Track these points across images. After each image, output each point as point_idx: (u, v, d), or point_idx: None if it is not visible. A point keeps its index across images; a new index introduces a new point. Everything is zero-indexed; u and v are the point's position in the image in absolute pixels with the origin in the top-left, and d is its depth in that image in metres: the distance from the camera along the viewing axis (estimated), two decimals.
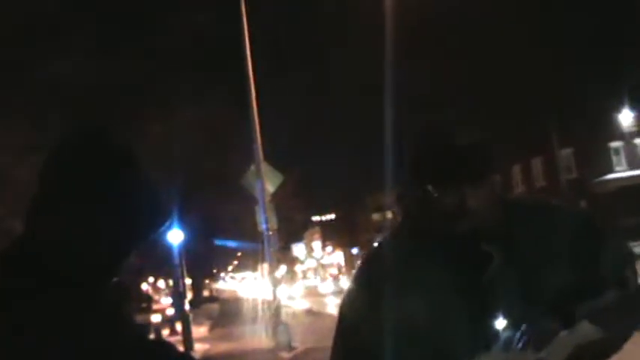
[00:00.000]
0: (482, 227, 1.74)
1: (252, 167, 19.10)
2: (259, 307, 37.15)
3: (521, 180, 45.85)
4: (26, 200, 1.75)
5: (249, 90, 19.23)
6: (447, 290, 1.77)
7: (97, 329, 1.59)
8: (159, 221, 1.76)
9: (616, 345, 1.83)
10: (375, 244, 2.05)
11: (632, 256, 1.94)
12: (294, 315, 21.92)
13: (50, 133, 15.78)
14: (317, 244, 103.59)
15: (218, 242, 39.09)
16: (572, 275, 1.80)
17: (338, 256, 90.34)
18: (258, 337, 21.66)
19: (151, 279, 63.75)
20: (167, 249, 22.84)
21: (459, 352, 1.75)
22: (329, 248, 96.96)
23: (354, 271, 2.07)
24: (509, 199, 1.97)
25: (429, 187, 1.73)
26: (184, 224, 23.92)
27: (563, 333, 1.69)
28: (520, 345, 1.67)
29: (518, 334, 1.68)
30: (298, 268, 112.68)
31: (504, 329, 1.72)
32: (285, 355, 16.53)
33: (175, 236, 22.43)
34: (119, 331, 1.69)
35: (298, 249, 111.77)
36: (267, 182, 18.91)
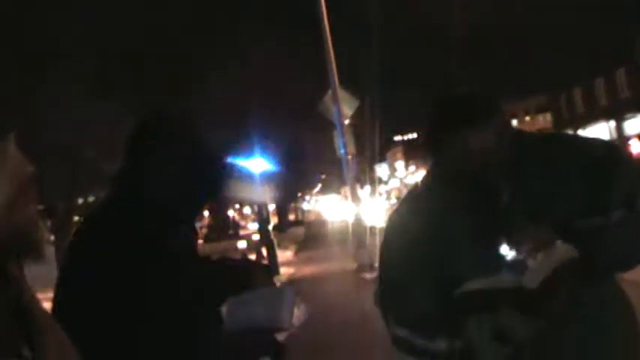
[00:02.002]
0: (493, 163, 1.95)
1: (329, 93, 19.14)
2: (343, 228, 37.67)
3: (605, 92, 44.41)
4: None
5: (322, 14, 19.13)
6: (461, 226, 2.02)
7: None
8: (217, 181, 2.14)
9: (615, 265, 1.97)
10: (414, 185, 2.33)
11: None
12: (377, 235, 22.15)
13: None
14: (400, 164, 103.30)
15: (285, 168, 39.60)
16: (580, 199, 1.96)
17: (421, 175, 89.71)
18: (341, 259, 22.05)
19: (237, 205, 65.06)
20: (250, 176, 23.28)
21: (468, 278, 2.01)
22: (412, 167, 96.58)
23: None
24: (522, 135, 2.13)
25: (440, 135, 2.00)
26: (266, 151, 24.30)
27: (540, 255, 1.84)
28: (512, 254, 1.87)
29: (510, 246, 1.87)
30: (382, 188, 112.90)
31: (508, 254, 1.89)
32: (367, 275, 16.81)
33: (257, 164, 22.85)
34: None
35: (381, 169, 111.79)
36: (344, 107, 18.95)
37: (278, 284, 2.29)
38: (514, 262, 1.87)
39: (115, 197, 2.06)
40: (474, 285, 1.99)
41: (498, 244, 1.89)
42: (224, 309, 2.14)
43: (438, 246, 2.04)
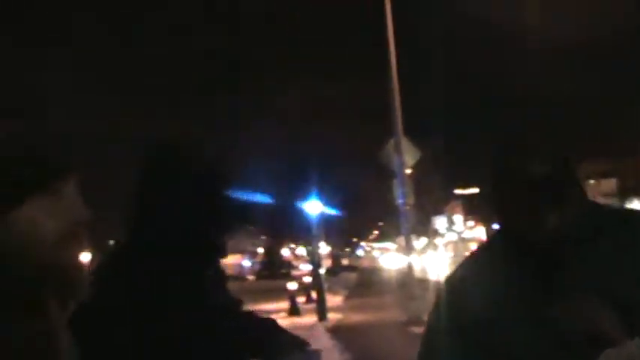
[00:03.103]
0: (564, 238, 1.83)
1: (391, 141, 19.12)
2: (395, 278, 37.31)
3: None
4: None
5: (391, 65, 19.22)
6: (520, 298, 1.89)
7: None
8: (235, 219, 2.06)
9: None
10: (482, 243, 2.22)
11: None
12: (430, 288, 21.86)
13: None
14: (458, 218, 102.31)
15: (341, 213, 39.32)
16: None
17: (479, 231, 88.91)
18: (391, 309, 21.79)
19: (292, 245, 65.22)
20: (306, 218, 23.31)
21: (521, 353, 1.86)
22: (470, 222, 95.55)
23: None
24: (600, 210, 1.99)
25: (512, 211, 1.88)
26: (323, 195, 24.36)
27: (610, 350, 1.71)
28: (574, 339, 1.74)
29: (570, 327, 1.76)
30: (439, 241, 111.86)
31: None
32: (415, 329, 16.56)
33: (314, 206, 22.87)
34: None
35: (439, 222, 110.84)
36: (406, 156, 18.90)
37: (320, 330, 2.19)
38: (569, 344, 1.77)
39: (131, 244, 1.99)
40: None
41: (554, 323, 1.79)
42: None
43: (495, 318, 1.91)
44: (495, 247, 2.05)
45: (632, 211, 2.24)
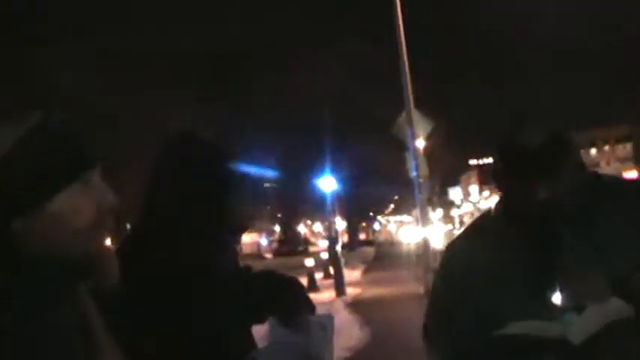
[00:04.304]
0: (561, 210, 1.85)
1: (403, 114, 19.05)
2: (412, 251, 37.39)
3: None
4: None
5: (400, 35, 19.08)
6: (517, 267, 1.92)
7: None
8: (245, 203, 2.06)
9: None
10: (481, 214, 2.25)
11: None
12: None
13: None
14: (474, 188, 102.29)
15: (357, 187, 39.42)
16: None
17: (495, 201, 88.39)
18: (409, 282, 21.83)
19: (309, 222, 65.45)
20: (321, 194, 23.37)
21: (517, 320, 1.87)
22: (486, 193, 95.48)
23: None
24: (599, 181, 2.00)
25: (507, 180, 1.93)
26: (337, 170, 24.36)
27: (593, 308, 1.73)
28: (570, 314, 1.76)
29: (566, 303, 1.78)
30: (455, 212, 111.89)
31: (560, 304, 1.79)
32: None
33: (328, 183, 22.88)
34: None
35: (455, 192, 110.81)
36: (418, 128, 18.82)
37: (339, 305, 2.22)
38: (565, 312, 1.78)
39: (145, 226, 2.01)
40: (516, 329, 1.87)
41: (551, 292, 1.80)
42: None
43: (489, 285, 1.95)
44: (494, 218, 2.08)
45: (631, 182, 2.24)
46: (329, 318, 2.17)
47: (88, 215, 1.20)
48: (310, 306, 2.15)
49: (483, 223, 2.15)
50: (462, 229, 2.35)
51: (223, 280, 1.98)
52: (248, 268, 2.24)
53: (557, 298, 1.79)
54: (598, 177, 2.01)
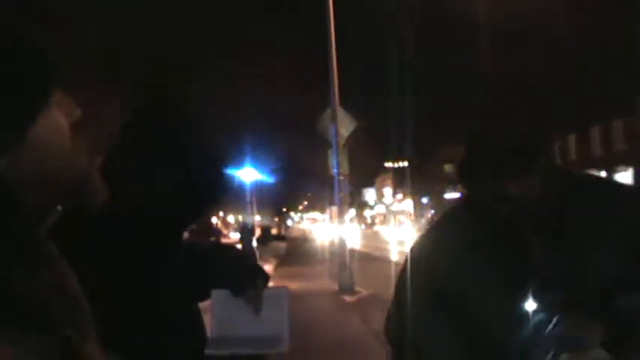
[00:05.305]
0: (530, 211, 1.83)
1: (328, 111, 19.13)
2: (325, 248, 37.58)
3: (600, 141, 44.63)
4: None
5: (329, 34, 19.17)
6: (489, 270, 1.89)
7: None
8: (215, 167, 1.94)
9: None
10: (446, 212, 2.20)
11: None
12: (359, 259, 22.07)
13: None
14: (388, 191, 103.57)
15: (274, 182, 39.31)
16: (623, 264, 1.80)
17: (408, 204, 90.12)
18: (322, 278, 21.94)
19: (221, 214, 64.94)
20: (238, 186, 23.25)
21: (492, 325, 1.87)
22: (399, 195, 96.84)
23: (425, 222, 2.22)
24: (569, 178, 1.97)
25: (476, 177, 1.89)
26: (257, 163, 24.28)
27: (570, 355, 1.71)
28: (552, 333, 1.74)
29: (551, 326, 1.75)
30: (367, 213, 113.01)
31: (535, 312, 1.78)
32: (347, 298, 16.74)
33: (247, 174, 22.80)
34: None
35: (369, 194, 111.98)
36: (342, 127, 18.94)
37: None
38: (539, 324, 1.77)
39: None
40: None
41: (523, 297, 1.79)
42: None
43: (458, 284, 1.93)
44: (461, 218, 2.05)
45: (604, 181, 2.24)
46: (283, 289, 2.08)
47: (67, 134, 1.14)
48: (264, 276, 2.05)
49: (447, 222, 2.12)
50: (425, 229, 2.30)
51: (171, 255, 1.89)
52: (196, 244, 2.13)
53: (528, 298, 1.78)
54: (571, 175, 1.98)
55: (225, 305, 2.00)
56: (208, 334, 1.98)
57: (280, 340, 1.98)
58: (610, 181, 2.19)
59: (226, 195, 2.02)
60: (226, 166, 1.97)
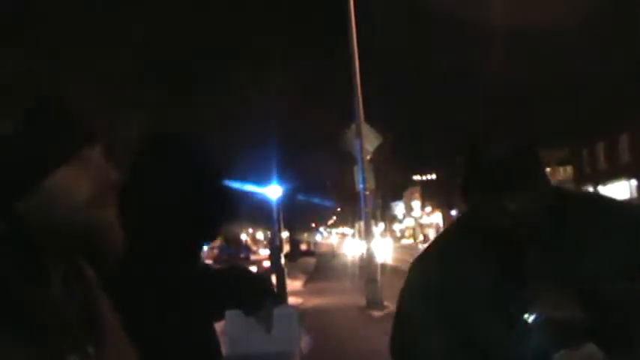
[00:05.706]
0: (529, 225, 1.88)
1: (352, 127, 19.17)
2: (354, 263, 37.44)
3: (629, 149, 44.21)
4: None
5: (352, 49, 19.24)
6: (483, 283, 1.94)
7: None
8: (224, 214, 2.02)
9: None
10: (446, 229, 2.27)
11: None
12: (388, 274, 22.02)
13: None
14: (416, 204, 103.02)
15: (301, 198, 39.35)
16: (609, 262, 1.88)
17: (437, 217, 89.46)
18: (351, 293, 21.90)
19: (250, 230, 64.89)
20: (266, 202, 23.32)
21: (487, 337, 1.92)
22: (428, 208, 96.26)
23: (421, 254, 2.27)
24: (562, 194, 2.03)
25: (475, 192, 1.94)
26: (283, 180, 24.37)
27: (563, 352, 1.77)
28: (537, 328, 1.80)
29: (534, 316, 1.81)
30: (396, 226, 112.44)
31: (527, 319, 1.83)
32: (375, 313, 16.70)
33: (274, 191, 22.88)
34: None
35: (397, 207, 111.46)
36: (367, 142, 18.96)
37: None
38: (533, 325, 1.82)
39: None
40: None
41: (519, 309, 1.83)
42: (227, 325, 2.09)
43: (458, 299, 1.97)
44: (461, 233, 2.10)
45: (597, 196, 2.30)
46: (292, 309, 2.21)
47: (86, 190, 1.19)
48: (273, 297, 2.15)
49: (449, 238, 2.17)
50: (426, 244, 2.33)
51: (186, 279, 1.94)
52: (209, 267, 2.23)
53: (525, 310, 1.81)
54: (562, 191, 2.05)
55: (238, 324, 2.11)
56: (223, 352, 2.07)
57: (291, 356, 2.08)
58: (603, 196, 2.24)
59: (234, 213, 2.09)
60: (226, 183, 2.03)
